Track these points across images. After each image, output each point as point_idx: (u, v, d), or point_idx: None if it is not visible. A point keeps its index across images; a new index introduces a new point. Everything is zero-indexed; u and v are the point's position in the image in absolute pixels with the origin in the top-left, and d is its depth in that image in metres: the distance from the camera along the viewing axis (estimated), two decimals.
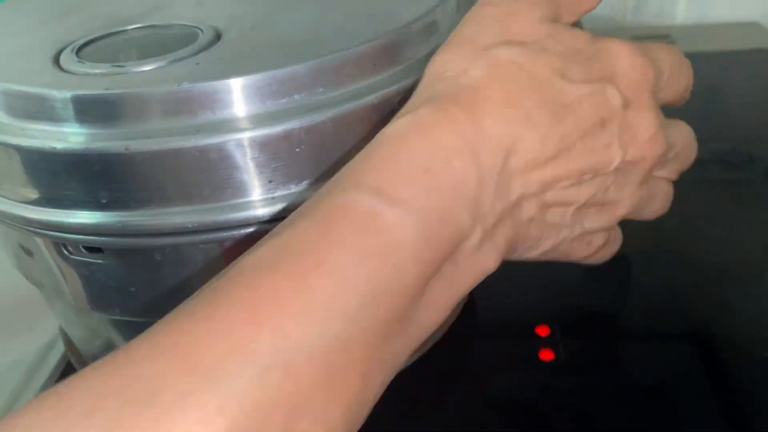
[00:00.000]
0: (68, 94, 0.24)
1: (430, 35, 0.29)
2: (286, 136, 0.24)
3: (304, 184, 0.25)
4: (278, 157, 0.24)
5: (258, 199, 0.25)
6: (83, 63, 0.26)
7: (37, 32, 0.31)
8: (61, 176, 0.24)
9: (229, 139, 0.24)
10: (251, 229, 0.25)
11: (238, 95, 0.24)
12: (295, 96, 0.25)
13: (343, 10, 0.31)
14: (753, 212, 0.46)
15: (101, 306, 0.28)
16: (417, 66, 0.27)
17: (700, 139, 0.36)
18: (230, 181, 0.24)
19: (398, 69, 0.27)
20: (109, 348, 0.30)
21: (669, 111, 0.31)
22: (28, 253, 0.28)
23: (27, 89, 0.25)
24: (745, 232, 0.43)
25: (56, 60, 0.28)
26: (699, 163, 0.37)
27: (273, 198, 0.25)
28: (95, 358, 0.26)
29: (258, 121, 0.24)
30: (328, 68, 0.25)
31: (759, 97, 0.64)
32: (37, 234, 0.27)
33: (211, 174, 0.24)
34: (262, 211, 0.25)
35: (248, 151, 0.24)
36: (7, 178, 0.26)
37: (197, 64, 0.26)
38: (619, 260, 0.34)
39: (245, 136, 0.24)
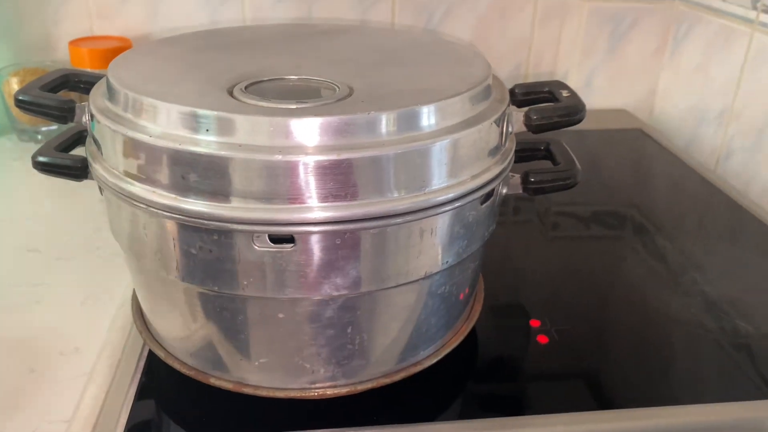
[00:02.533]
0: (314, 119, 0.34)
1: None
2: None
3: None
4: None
5: (437, 188, 0.36)
6: (269, 99, 0.36)
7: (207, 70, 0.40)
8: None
9: (417, 147, 0.35)
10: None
11: (395, 122, 0.35)
12: (432, 122, 0.36)
13: (423, 69, 0.43)
14: (626, 259, 0.62)
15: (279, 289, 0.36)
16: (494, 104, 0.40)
17: (586, 203, 0.53)
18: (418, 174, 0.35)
19: (486, 106, 0.39)
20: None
21: None
22: (205, 252, 0.35)
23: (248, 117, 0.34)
24: (621, 272, 0.60)
25: (232, 95, 0.37)
26: (585, 222, 0.64)
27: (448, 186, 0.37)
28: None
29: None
30: (447, 105, 0.37)
31: (628, 168, 0.84)
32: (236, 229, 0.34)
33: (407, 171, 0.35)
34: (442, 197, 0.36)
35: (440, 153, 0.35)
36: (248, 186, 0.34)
37: (363, 101, 0.36)
38: None
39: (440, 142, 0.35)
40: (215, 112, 0.34)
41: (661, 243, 0.64)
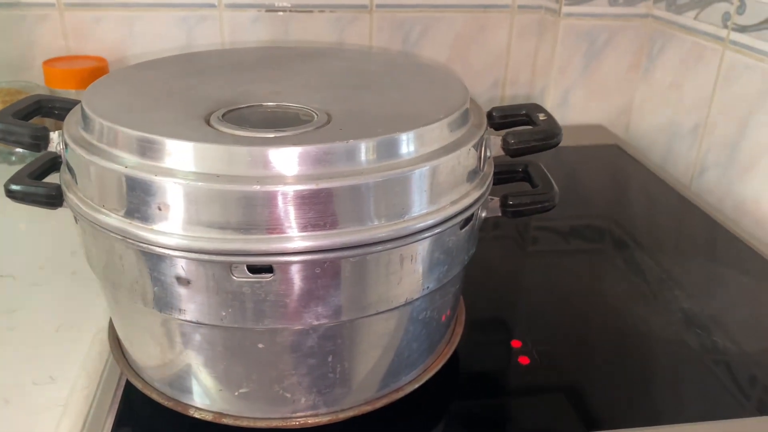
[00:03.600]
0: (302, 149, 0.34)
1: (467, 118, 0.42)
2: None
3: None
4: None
5: (417, 215, 0.36)
6: (247, 128, 0.35)
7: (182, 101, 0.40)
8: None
9: (397, 174, 0.35)
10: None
11: (374, 150, 0.35)
12: (411, 149, 0.36)
13: (401, 94, 0.43)
14: (605, 276, 0.63)
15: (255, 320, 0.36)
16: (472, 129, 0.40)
17: (565, 217, 0.53)
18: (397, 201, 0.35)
19: (464, 132, 0.40)
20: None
21: None
22: (183, 283, 0.35)
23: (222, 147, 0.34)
24: (600, 289, 0.61)
25: (209, 123, 0.36)
26: (564, 237, 0.66)
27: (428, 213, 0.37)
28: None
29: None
30: (425, 132, 0.37)
31: (605, 184, 0.85)
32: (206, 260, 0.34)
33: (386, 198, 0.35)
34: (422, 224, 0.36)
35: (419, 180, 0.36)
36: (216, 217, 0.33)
37: (341, 129, 0.36)
38: None
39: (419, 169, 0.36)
40: (192, 143, 0.34)
41: (640, 258, 0.64)
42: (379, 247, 0.35)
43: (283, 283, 0.35)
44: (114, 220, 0.35)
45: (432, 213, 0.37)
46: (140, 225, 0.34)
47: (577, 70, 0.94)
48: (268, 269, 0.34)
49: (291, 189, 0.33)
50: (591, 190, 0.81)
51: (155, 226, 0.34)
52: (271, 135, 0.35)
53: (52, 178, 0.44)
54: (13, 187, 0.43)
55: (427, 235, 0.37)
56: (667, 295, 0.58)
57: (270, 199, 0.33)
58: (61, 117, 0.45)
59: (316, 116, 0.38)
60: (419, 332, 0.42)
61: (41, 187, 0.43)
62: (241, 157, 0.33)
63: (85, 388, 0.47)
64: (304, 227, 0.34)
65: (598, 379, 0.48)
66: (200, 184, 0.33)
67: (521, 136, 0.42)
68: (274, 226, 0.33)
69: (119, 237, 0.35)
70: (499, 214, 0.44)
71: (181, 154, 0.34)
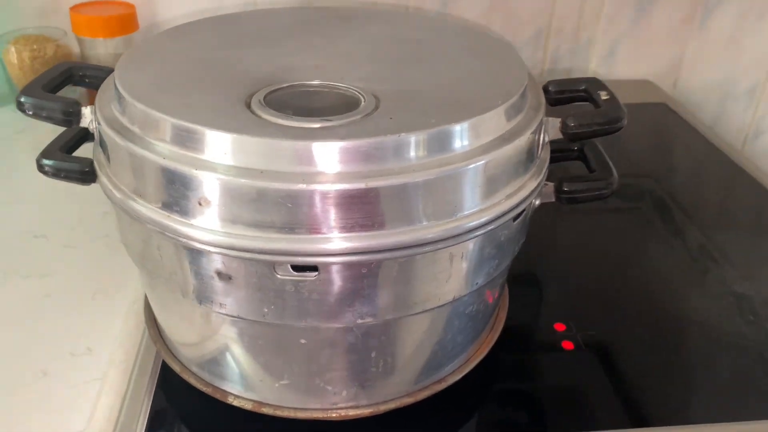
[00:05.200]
0: (338, 145, 0.31)
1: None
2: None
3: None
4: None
5: (469, 213, 0.34)
6: (291, 116, 0.33)
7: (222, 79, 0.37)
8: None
9: (450, 171, 0.33)
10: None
11: (425, 144, 0.32)
12: (465, 143, 0.33)
13: (451, 70, 0.40)
14: (644, 231, 0.61)
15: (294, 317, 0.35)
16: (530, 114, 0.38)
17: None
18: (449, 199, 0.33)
19: (521, 117, 0.37)
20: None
21: None
22: (224, 278, 0.33)
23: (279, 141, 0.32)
24: (646, 263, 0.58)
25: (250, 108, 0.34)
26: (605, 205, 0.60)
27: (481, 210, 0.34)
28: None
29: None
30: (481, 122, 0.34)
31: (647, 143, 0.81)
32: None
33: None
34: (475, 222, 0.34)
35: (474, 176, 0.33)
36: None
37: (391, 118, 0.33)
38: None
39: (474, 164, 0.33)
40: (233, 135, 0.31)
41: (686, 229, 0.61)
42: (428, 248, 0.33)
43: (328, 282, 0.33)
44: (151, 211, 0.33)
45: (485, 210, 0.34)
46: (179, 219, 0.33)
47: (627, 19, 0.88)
48: (312, 268, 0.33)
49: (338, 188, 0.31)
50: (635, 151, 0.77)
51: (195, 221, 0.32)
52: (317, 125, 0.33)
53: (85, 149, 0.43)
54: (45, 162, 0.41)
55: (479, 233, 0.35)
56: (716, 273, 0.56)
57: (316, 198, 0.31)
58: (93, 86, 0.43)
59: (363, 99, 0.36)
60: (465, 325, 0.40)
61: (75, 162, 0.41)
62: (286, 152, 0.31)
63: (122, 362, 0.47)
64: (350, 228, 0.32)
65: (646, 369, 0.47)
66: (243, 180, 0.31)
67: (582, 119, 0.39)
68: (319, 226, 0.31)
69: (157, 229, 0.34)
70: (553, 200, 0.42)
71: (222, 146, 0.32)
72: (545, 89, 0.44)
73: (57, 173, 0.41)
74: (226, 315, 0.36)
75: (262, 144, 0.31)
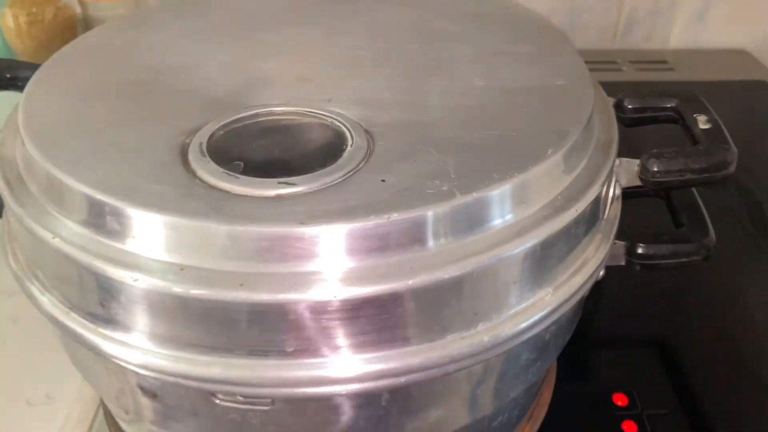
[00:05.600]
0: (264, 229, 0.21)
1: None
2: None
3: None
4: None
5: (508, 316, 0.23)
6: (236, 177, 0.22)
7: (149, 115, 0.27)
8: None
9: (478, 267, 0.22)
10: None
11: (444, 226, 0.21)
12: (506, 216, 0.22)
13: (482, 86, 0.28)
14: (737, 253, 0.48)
15: None
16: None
17: None
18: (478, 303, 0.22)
19: (585, 164, 0.25)
20: None
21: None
22: (149, 395, 0.24)
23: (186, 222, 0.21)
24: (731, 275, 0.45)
25: (185, 160, 0.24)
26: None
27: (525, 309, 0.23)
28: None
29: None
30: (530, 181, 0.23)
31: (740, 129, 0.67)
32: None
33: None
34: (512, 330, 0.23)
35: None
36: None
37: (383, 180, 0.22)
38: None
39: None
40: (144, 211, 0.21)
41: None
42: (447, 368, 0.23)
43: (289, 414, 0.23)
44: (50, 305, 0.24)
45: (529, 309, 0.23)
46: (81, 321, 0.23)
47: None
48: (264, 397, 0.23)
49: (293, 299, 0.20)
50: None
51: (101, 328, 0.23)
52: (272, 192, 0.22)
53: None
54: None
55: (518, 341, 0.24)
56: None
57: (262, 312, 0.21)
58: None
59: (350, 140, 0.25)
60: (497, 428, 0.30)
61: None
62: (219, 241, 0.21)
63: (80, 422, 0.39)
64: (309, 350, 0.21)
65: None
66: (154, 282, 0.21)
67: (669, 163, 0.27)
68: (266, 349, 0.21)
69: (57, 329, 0.24)
70: (622, 263, 0.30)
71: (129, 228, 0.21)
72: (618, 105, 0.32)
73: None
74: None
75: (184, 227, 0.21)
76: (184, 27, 0.34)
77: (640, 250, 0.30)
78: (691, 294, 0.46)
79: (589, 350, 0.42)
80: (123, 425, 0.33)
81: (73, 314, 0.23)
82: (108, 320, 0.22)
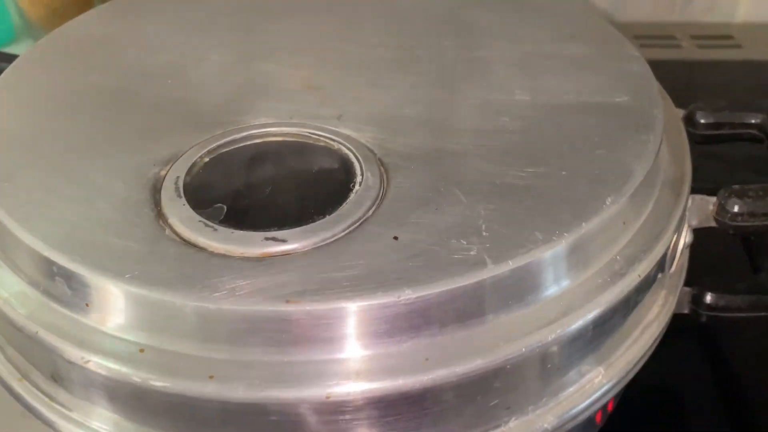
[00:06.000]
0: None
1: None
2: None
3: None
4: None
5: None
6: (214, 230, 0.18)
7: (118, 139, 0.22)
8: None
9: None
10: None
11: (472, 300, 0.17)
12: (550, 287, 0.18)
13: (519, 103, 0.23)
14: None
15: None
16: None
17: None
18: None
19: (650, 209, 0.20)
20: None
21: None
22: None
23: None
24: None
25: (157, 200, 0.19)
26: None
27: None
28: None
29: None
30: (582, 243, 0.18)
31: None
32: None
33: None
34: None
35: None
36: None
37: (396, 238, 0.18)
38: None
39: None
40: (97, 277, 0.17)
41: None
42: None
43: None
44: (1, 368, 0.20)
45: (576, 393, 0.19)
46: (37, 395, 0.19)
47: None
48: None
49: (278, 398, 0.16)
50: None
51: (55, 404, 0.19)
52: (256, 252, 0.18)
53: None
54: None
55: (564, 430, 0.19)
56: None
57: (240, 414, 0.16)
58: None
59: (359, 176, 0.20)
60: None
61: None
62: (186, 320, 0.17)
63: None
64: None
65: None
66: (106, 365, 0.17)
67: (757, 205, 0.22)
68: None
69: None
70: (685, 312, 0.25)
71: (83, 295, 0.17)
72: (689, 118, 0.26)
73: None
74: None
75: (144, 299, 0.17)
76: (177, 16, 0.29)
77: (708, 301, 0.25)
78: None
79: None
80: None
81: (26, 383, 0.19)
82: (62, 398, 0.19)
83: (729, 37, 0.66)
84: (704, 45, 0.65)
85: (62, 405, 0.19)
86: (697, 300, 0.25)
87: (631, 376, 0.21)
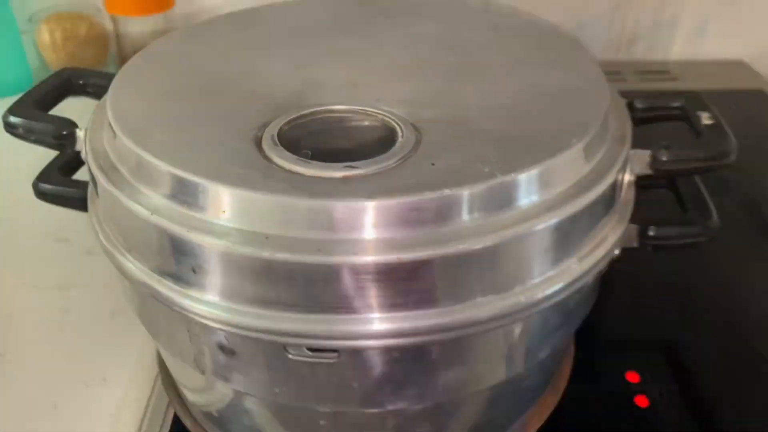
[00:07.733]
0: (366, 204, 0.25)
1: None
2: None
3: None
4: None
5: (535, 283, 0.27)
6: (308, 162, 0.26)
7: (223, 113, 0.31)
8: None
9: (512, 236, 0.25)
10: None
11: (481, 202, 0.25)
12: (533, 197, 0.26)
13: (511, 86, 0.32)
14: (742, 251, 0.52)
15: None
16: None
17: None
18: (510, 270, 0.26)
19: (602, 154, 0.29)
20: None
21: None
22: (227, 352, 0.28)
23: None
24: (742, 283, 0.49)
25: (260, 149, 0.27)
26: None
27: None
28: None
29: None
30: (554, 168, 0.27)
31: (740, 137, 0.70)
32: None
33: None
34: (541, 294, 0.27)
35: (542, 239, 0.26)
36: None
37: (433, 164, 0.26)
38: None
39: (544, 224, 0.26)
40: (232, 189, 0.25)
41: None
42: (481, 328, 0.26)
43: (352, 366, 0.27)
44: (142, 273, 0.28)
45: (555, 278, 0.27)
46: (173, 286, 0.27)
47: None
48: (332, 349, 0.26)
49: (362, 261, 0.24)
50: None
51: (191, 291, 0.26)
52: (339, 174, 0.26)
53: None
54: (43, 186, 0.36)
55: (545, 305, 0.28)
56: None
57: (336, 273, 0.24)
58: (96, 95, 0.38)
59: (400, 133, 0.29)
60: (522, 397, 0.33)
61: (74, 189, 0.36)
62: (298, 214, 0.25)
63: (136, 401, 0.42)
64: (378, 307, 0.25)
65: None
66: (244, 249, 0.24)
67: (677, 153, 0.31)
68: (339, 305, 0.25)
69: (148, 294, 0.28)
70: (635, 245, 0.34)
71: (219, 203, 0.25)
72: (630, 105, 0.36)
73: (56, 199, 0.36)
74: (239, 390, 0.30)
75: (268, 202, 0.25)
76: (239, 38, 0.38)
77: (651, 233, 0.33)
78: (696, 291, 0.49)
79: (604, 336, 0.46)
80: (190, 395, 0.36)
81: (165, 280, 0.27)
82: (197, 285, 0.26)
83: (666, 72, 0.78)
84: (646, 79, 0.77)
85: (199, 292, 0.26)
86: (643, 233, 0.34)
87: (596, 270, 0.29)
